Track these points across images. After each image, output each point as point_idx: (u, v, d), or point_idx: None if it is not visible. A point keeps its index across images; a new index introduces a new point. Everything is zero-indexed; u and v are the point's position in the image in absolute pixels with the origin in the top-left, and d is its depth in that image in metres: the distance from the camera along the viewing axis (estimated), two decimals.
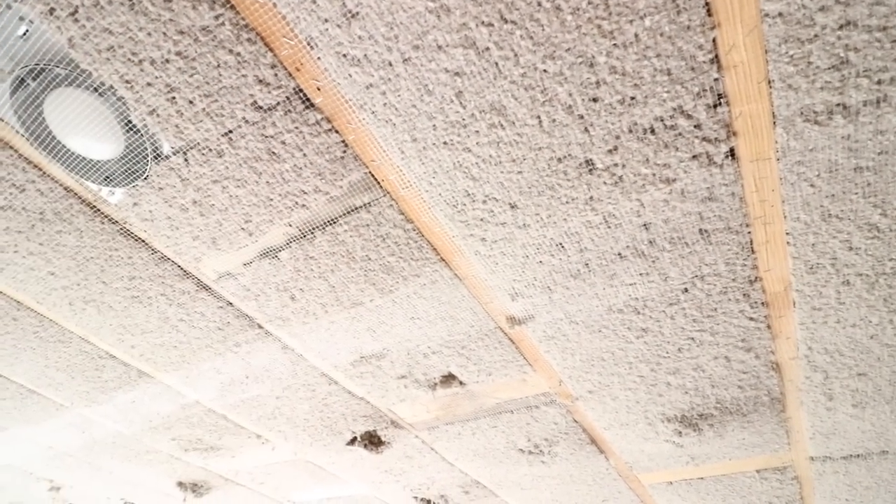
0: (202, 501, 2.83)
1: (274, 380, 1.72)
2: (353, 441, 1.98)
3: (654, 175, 0.97)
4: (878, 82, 0.82)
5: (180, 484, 2.64)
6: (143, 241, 1.27)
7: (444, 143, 0.96)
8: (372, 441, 1.98)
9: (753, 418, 1.63)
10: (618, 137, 0.91)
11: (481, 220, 1.10)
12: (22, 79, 0.99)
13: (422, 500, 2.45)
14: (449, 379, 1.61)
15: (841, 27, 0.77)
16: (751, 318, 1.28)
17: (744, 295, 1.22)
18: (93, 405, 2.03)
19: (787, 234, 1.07)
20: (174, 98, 0.94)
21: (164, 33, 0.86)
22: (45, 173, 1.15)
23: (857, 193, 0.98)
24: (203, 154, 1.02)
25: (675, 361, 1.43)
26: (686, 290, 1.21)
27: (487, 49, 0.82)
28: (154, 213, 1.17)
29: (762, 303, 1.23)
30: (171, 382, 1.82)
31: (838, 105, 0.85)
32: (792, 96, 0.85)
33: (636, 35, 0.78)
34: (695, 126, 0.89)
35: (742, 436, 1.72)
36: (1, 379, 1.95)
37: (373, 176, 1.04)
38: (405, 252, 1.19)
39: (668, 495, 2.23)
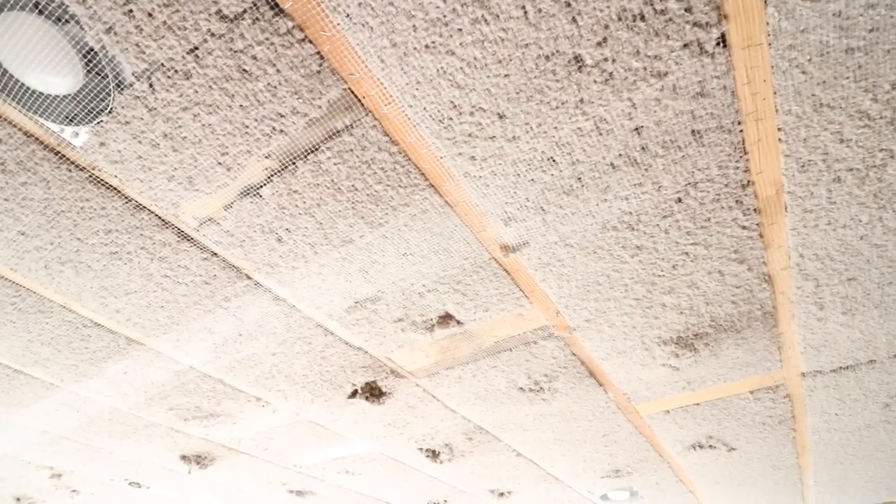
0: (207, 473, 2.83)
1: (268, 335, 1.69)
2: (354, 394, 1.97)
3: (645, 69, 0.93)
4: None
5: (183, 457, 2.62)
6: (116, 188, 1.21)
7: (426, 46, 0.91)
8: (373, 392, 1.98)
9: (747, 334, 1.66)
10: (606, 27, 0.88)
11: (469, 135, 1.06)
12: None
13: (426, 451, 2.48)
14: (446, 319, 1.60)
15: None
16: (743, 227, 1.28)
17: (736, 201, 1.21)
18: (83, 380, 1.98)
19: (779, 129, 1.06)
20: (131, 11, 0.87)
21: None
22: (1, 117, 1.07)
23: (848, 78, 0.96)
24: (169, 77, 0.96)
25: (670, 280, 1.44)
26: (679, 199, 1.20)
27: None
28: (123, 154, 1.11)
29: (754, 209, 1.23)
30: (162, 348, 1.78)
31: None
32: None
33: None
34: (685, 9, 0.86)
35: (736, 354, 1.75)
36: None
37: (353, 93, 0.99)
38: (392, 178, 1.15)
39: (666, 424, 2.29)
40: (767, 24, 0.89)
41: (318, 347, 1.75)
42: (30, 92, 1.02)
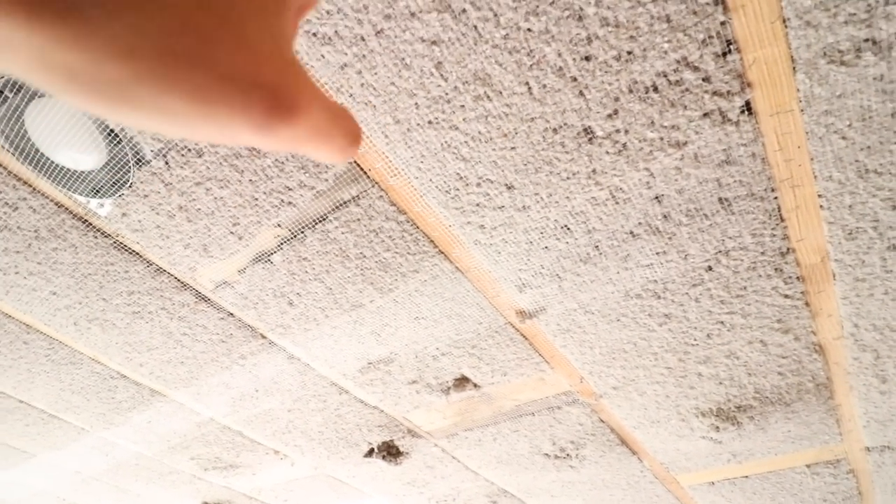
0: None
1: (284, 392, 1.67)
2: (370, 452, 1.91)
3: (661, 139, 0.88)
4: None
5: None
6: (137, 253, 1.24)
7: (429, 122, 0.89)
8: (390, 452, 1.91)
9: (798, 408, 1.49)
10: (617, 99, 0.83)
11: (477, 205, 1.02)
12: (1, 91, 0.98)
13: None
14: (462, 382, 1.53)
15: None
16: (786, 296, 1.16)
17: (775, 269, 1.10)
18: (111, 427, 2.02)
19: (820, 196, 0.96)
20: None
21: None
22: (35, 189, 1.13)
23: None
24: (182, 155, 0.98)
25: (704, 349, 1.32)
26: (710, 268, 1.10)
27: (464, 11, 0.75)
28: (143, 223, 1.14)
29: (797, 277, 1.12)
30: (183, 400, 1.79)
31: (867, 40, 0.75)
32: (812, 35, 0.75)
33: None
34: (703, 79, 0.80)
35: (787, 428, 1.58)
36: (22, 405, 1.97)
37: (358, 166, 0.98)
38: (401, 246, 1.12)
39: (711, 496, 2.07)
40: (798, 90, 0.81)
41: (332, 405, 1.71)
42: (59, 168, 1.08)
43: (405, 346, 1.43)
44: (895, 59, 0.77)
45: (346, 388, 1.64)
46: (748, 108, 0.84)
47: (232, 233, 1.13)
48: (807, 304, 1.18)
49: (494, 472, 2.02)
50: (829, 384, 1.43)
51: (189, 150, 0.98)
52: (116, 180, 1.08)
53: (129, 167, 1.04)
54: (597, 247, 1.08)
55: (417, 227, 1.09)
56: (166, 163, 1.00)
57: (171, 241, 1.17)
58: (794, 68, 0.79)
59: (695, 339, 1.29)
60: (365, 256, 1.16)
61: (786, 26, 0.75)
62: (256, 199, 1.05)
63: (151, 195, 1.07)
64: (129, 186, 1.08)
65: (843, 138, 0.87)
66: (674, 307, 1.20)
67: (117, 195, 1.10)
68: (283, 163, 0.98)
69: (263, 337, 1.45)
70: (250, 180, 1.01)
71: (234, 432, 1.95)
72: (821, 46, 0.76)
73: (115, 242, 1.22)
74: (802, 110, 0.84)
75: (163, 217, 1.12)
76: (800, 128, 0.86)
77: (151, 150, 1.00)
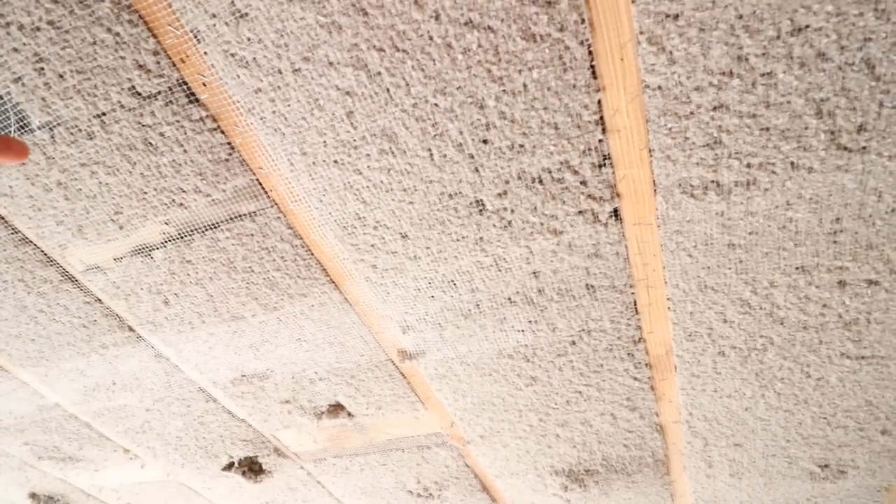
0: None
1: (145, 390, 1.56)
2: (230, 466, 1.82)
3: (541, 224, 0.97)
4: (748, 165, 0.86)
5: (33, 495, 2.33)
6: (2, 217, 1.13)
7: (335, 161, 0.92)
8: (252, 469, 1.83)
9: (638, 479, 1.64)
10: (507, 182, 0.91)
11: (372, 245, 1.05)
12: None
13: None
14: (337, 409, 1.52)
15: (715, 108, 0.81)
16: (635, 378, 1.29)
17: (628, 354, 1.23)
18: None
19: (668, 299, 1.10)
20: (42, 69, 0.86)
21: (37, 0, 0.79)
22: None
23: (730, 269, 1.02)
24: (71, 133, 0.93)
25: (563, 413, 1.42)
26: (573, 342, 1.21)
27: (379, 73, 0.80)
28: (14, 190, 1.05)
29: (646, 364, 1.25)
30: (27, 379, 1.62)
31: (713, 182, 0.89)
32: (670, 167, 0.87)
33: (524, 85, 0.79)
34: (581, 182, 0.90)
35: (627, 496, 1.72)
36: None
37: (260, 184, 0.98)
38: (292, 269, 1.13)
39: None
40: (657, 209, 0.94)
41: (197, 412, 1.62)
42: None
43: (283, 365, 1.40)
44: (733, 202, 0.91)
45: (214, 396, 1.57)
46: (616, 214, 0.95)
47: (113, 220, 1.07)
48: (652, 388, 1.32)
49: (357, 501, 2.00)
50: (666, 461, 1.59)
51: (80, 130, 0.93)
52: None
53: (10, 132, 0.97)
54: (478, 305, 1.15)
55: (312, 254, 1.10)
56: (52, 137, 0.94)
57: (43, 213, 1.09)
58: (655, 190, 0.91)
59: (555, 403, 1.39)
60: (253, 271, 1.14)
61: (651, 155, 0.87)
62: (146, 193, 1.01)
63: (29, 164, 1.00)
64: None
65: (689, 256, 1.01)
66: (540, 371, 1.30)
67: None
68: (180, 165, 0.96)
69: (131, 330, 1.36)
70: (142, 174, 0.98)
71: (82, 423, 1.78)
72: (677, 178, 0.89)
73: None
74: (659, 226, 0.96)
75: (38, 189, 1.04)
76: (656, 239, 0.99)
77: (39, 121, 0.93)
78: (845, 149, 0.82)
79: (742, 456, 1.50)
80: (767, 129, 0.82)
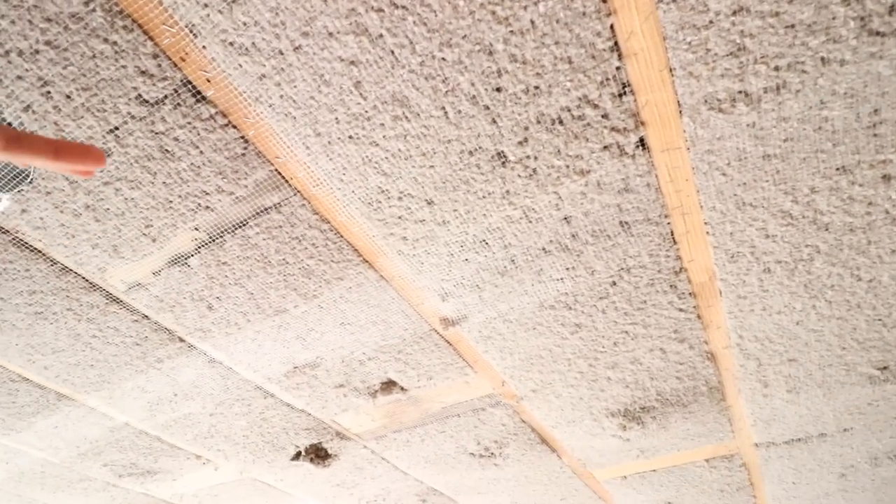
0: None
1: (205, 396, 1.62)
2: (297, 456, 1.89)
3: (567, 167, 0.94)
4: (776, 68, 0.82)
5: None
6: (40, 251, 1.17)
7: (350, 137, 0.91)
8: (318, 455, 1.90)
9: (695, 408, 1.64)
10: (526, 129, 0.89)
11: (399, 217, 1.05)
12: None
13: None
14: (389, 385, 1.56)
15: (734, 13, 0.76)
16: (680, 310, 1.28)
17: (671, 286, 1.21)
18: (11, 433, 1.87)
19: (706, 223, 1.07)
20: (49, 93, 0.86)
21: (30, 21, 0.79)
22: None
23: (767, 181, 0.99)
24: None
25: (612, 356, 1.42)
26: (614, 283, 1.20)
27: (381, 36, 0.78)
28: (46, 221, 1.08)
29: (689, 293, 1.24)
30: (94, 404, 1.70)
31: (740, 92, 0.85)
32: (694, 84, 0.84)
33: (532, 21, 0.76)
34: (602, 116, 0.87)
35: (686, 426, 1.73)
36: None
37: (280, 174, 0.98)
38: (324, 254, 1.13)
39: (624, 489, 2.23)
40: (684, 131, 0.91)
41: (257, 409, 1.68)
42: None
43: (331, 351, 1.43)
44: (764, 110, 0.87)
45: (271, 391, 1.62)
46: (643, 143, 0.92)
47: (145, 234, 1.09)
48: (699, 317, 1.31)
49: (423, 471, 2.06)
50: (720, 388, 1.58)
51: None
52: (14, 175, 1.01)
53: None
54: (513, 261, 1.14)
55: (341, 236, 1.11)
56: None
57: (78, 240, 1.12)
58: (680, 112, 0.88)
59: (603, 347, 1.39)
60: (288, 263, 1.16)
61: (672, 75, 0.83)
62: (171, 201, 1.02)
63: (55, 192, 1.02)
64: (30, 182, 1.02)
65: (723, 175, 0.98)
66: (583, 317, 1.29)
67: (16, 191, 1.04)
68: (199, 167, 0.96)
69: (182, 340, 1.41)
70: (164, 183, 0.99)
71: (152, 437, 1.87)
72: (702, 95, 0.85)
73: (14, 239, 1.14)
74: (688, 148, 0.93)
75: (67, 215, 1.06)
76: (687, 164, 0.96)
77: None
78: (878, 33, 0.77)
79: (798, 371, 1.49)
80: (792, 25, 0.77)
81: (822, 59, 0.80)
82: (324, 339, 1.38)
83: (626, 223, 1.06)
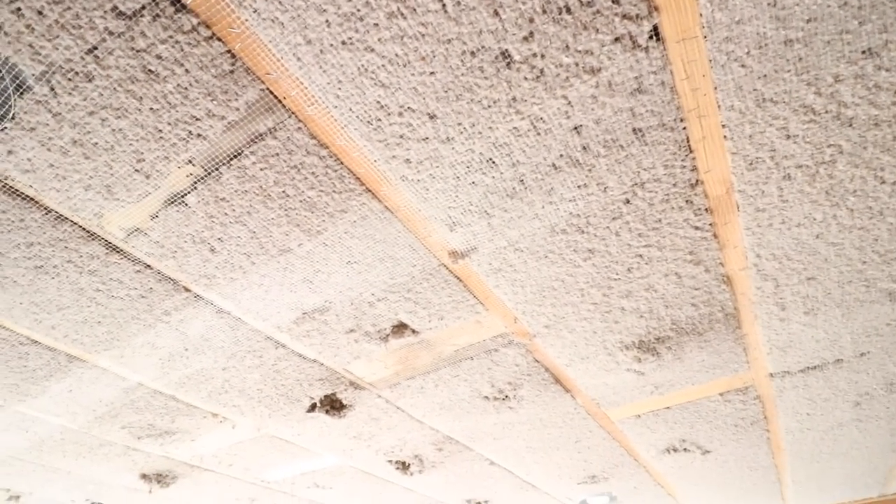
0: (171, 492, 2.73)
1: (216, 349, 1.61)
2: (312, 407, 1.90)
3: (576, 65, 0.89)
4: None
5: (144, 476, 2.52)
6: (32, 198, 1.13)
7: (343, 42, 0.85)
8: (333, 406, 1.91)
9: (710, 337, 1.62)
10: (531, 20, 0.83)
11: (401, 136, 1.00)
12: None
13: (396, 462, 2.41)
14: (400, 328, 1.54)
15: None
16: (696, 228, 1.24)
17: (686, 201, 1.17)
18: (27, 399, 1.88)
19: (724, 125, 1.02)
20: (20, 9, 0.80)
21: None
22: None
23: (789, 71, 0.93)
24: (70, 79, 0.89)
25: (626, 283, 1.39)
26: (627, 200, 1.15)
27: None
28: (34, 162, 1.03)
29: (706, 209, 1.19)
30: (105, 365, 1.69)
31: None
32: None
33: None
34: (612, 1, 0.81)
35: (701, 357, 1.72)
36: None
37: (272, 93, 0.93)
38: (325, 184, 1.09)
39: (638, 429, 2.24)
40: (701, 15, 0.84)
41: (269, 361, 1.67)
42: None
43: (340, 294, 1.41)
44: None
45: (282, 341, 1.60)
46: (656, 33, 0.86)
47: (137, 171, 1.05)
48: (715, 235, 1.27)
49: (438, 419, 2.07)
50: (736, 314, 1.56)
51: (77, 73, 0.89)
52: None
53: (9, 95, 0.93)
54: (522, 181, 1.10)
55: (341, 163, 1.06)
56: (52, 89, 0.91)
57: (69, 181, 1.08)
58: None
59: (617, 274, 1.36)
60: (288, 195, 1.12)
61: None
62: (160, 130, 0.97)
63: (39, 128, 0.97)
64: (12, 118, 0.97)
65: (743, 66, 0.92)
66: (596, 241, 1.26)
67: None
68: (186, 88, 0.91)
69: (187, 290, 1.38)
70: (151, 108, 0.94)
71: (167, 396, 1.87)
72: None
73: (3, 186, 1.10)
74: (706, 37, 0.87)
75: (56, 154, 1.02)
76: (703, 55, 0.90)
77: (32, 74, 0.89)
78: None
79: (816, 290, 1.46)
80: None
81: None
82: (331, 280, 1.36)
83: (640, 130, 1.01)
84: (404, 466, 2.41)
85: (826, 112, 0.99)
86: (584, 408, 2.05)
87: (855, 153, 1.08)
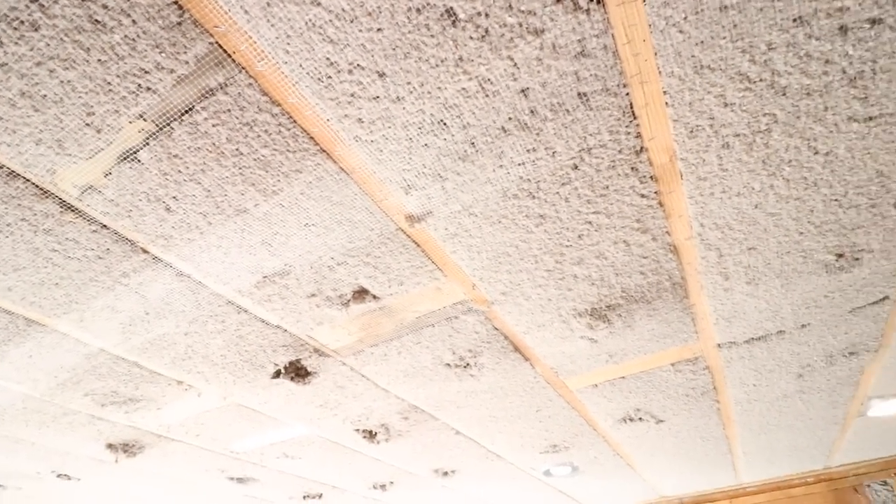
0: (138, 462, 2.74)
1: (177, 313, 1.62)
2: (277, 374, 1.93)
3: (520, 25, 0.92)
4: None
5: (110, 446, 2.52)
6: None
7: None
8: (298, 373, 1.94)
9: (658, 305, 1.69)
10: None
11: (352, 95, 1.02)
12: None
13: (363, 431, 2.46)
14: (361, 294, 1.57)
15: None
16: (642, 195, 1.29)
17: (632, 168, 1.22)
18: None
19: (665, 92, 1.06)
20: None
21: None
22: None
23: (724, 38, 0.97)
24: (15, 28, 0.88)
25: (577, 250, 1.45)
26: (576, 166, 1.20)
27: None
28: None
29: (651, 177, 1.24)
30: (65, 329, 1.68)
31: None
32: None
33: None
34: None
35: (650, 326, 1.79)
36: None
37: (221, 47, 0.94)
38: (279, 142, 1.10)
39: (596, 398, 2.34)
40: None
41: (232, 326, 1.69)
42: None
43: (299, 257, 1.43)
44: None
45: (244, 306, 1.62)
46: None
47: (88, 125, 1.04)
48: (660, 203, 1.32)
49: (403, 387, 2.12)
50: (683, 283, 1.63)
51: (22, 21, 0.88)
52: None
53: None
54: (473, 143, 1.13)
55: (294, 122, 1.07)
56: None
57: (20, 136, 1.07)
58: None
59: (568, 240, 1.41)
60: (241, 153, 1.13)
61: None
62: (109, 82, 0.97)
63: None
64: None
65: (681, 32, 0.96)
66: (547, 207, 1.30)
67: None
68: (133, 40, 0.91)
69: (145, 251, 1.38)
70: (99, 60, 0.93)
71: (130, 363, 1.88)
72: None
73: None
74: (645, 1, 0.91)
75: (4, 106, 1.01)
76: (643, 19, 0.93)
77: None
78: None
79: (757, 260, 1.54)
80: None
81: None
82: (290, 243, 1.37)
83: (585, 94, 1.05)
84: (371, 435, 2.46)
85: (761, 80, 1.05)
86: (543, 377, 2.12)
87: (789, 122, 1.14)
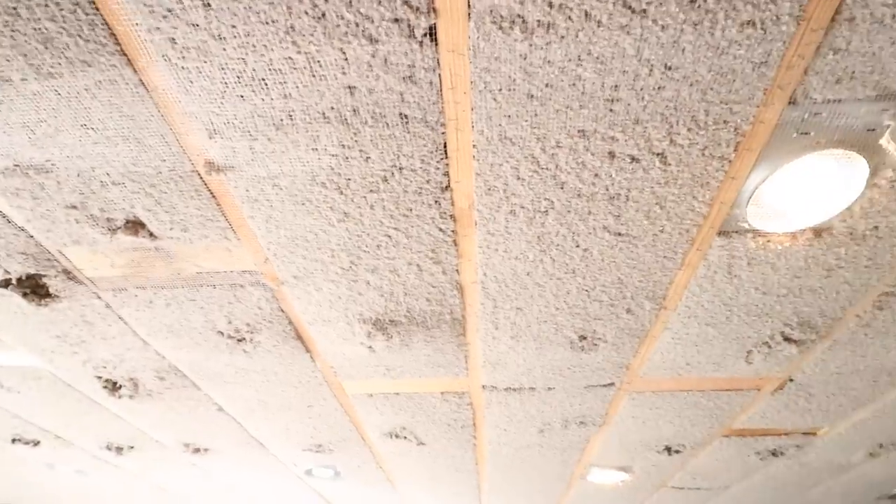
0: None
1: None
2: (6, 283, 1.62)
3: (356, 25, 0.95)
4: (550, 5, 0.92)
5: None
6: None
7: None
8: (36, 291, 1.65)
9: (437, 334, 1.83)
10: None
11: (169, 10, 0.94)
12: None
13: (106, 380, 2.17)
14: (136, 225, 1.41)
15: None
16: (440, 229, 1.40)
17: (436, 201, 1.32)
18: None
19: (474, 146, 1.18)
20: None
21: None
22: None
23: (527, 121, 1.12)
24: None
25: (373, 258, 1.50)
26: (385, 179, 1.26)
27: None
28: None
29: (451, 215, 1.36)
30: None
31: (518, 16, 0.94)
32: None
33: None
34: None
35: (427, 351, 1.93)
36: None
37: None
38: (71, 22, 0.96)
39: (368, 407, 2.40)
40: (469, 37, 0.98)
41: None
42: None
43: (66, 159, 1.24)
44: (535, 44, 0.99)
45: None
46: (432, 33, 0.97)
47: None
48: (455, 243, 1.45)
49: (165, 342, 1.94)
50: (462, 321, 1.79)
51: None
52: None
53: None
54: (291, 116, 1.12)
55: (96, 8, 0.95)
56: None
57: None
58: (469, 14, 0.94)
59: (367, 246, 1.46)
60: (18, 14, 0.95)
61: None
62: None
63: None
64: None
65: (495, 100, 1.08)
66: (352, 207, 1.33)
67: None
68: None
69: None
70: None
71: None
72: (489, 4, 0.92)
73: None
74: (471, 60, 1.01)
75: None
76: (467, 74, 1.04)
77: None
78: (630, 7, 0.92)
79: (521, 319, 1.76)
80: None
81: (586, 12, 0.93)
82: (58, 138, 1.19)
83: (406, 116, 1.11)
84: (114, 387, 2.18)
85: (546, 169, 1.23)
86: (322, 373, 2.13)
87: (562, 213, 1.34)
